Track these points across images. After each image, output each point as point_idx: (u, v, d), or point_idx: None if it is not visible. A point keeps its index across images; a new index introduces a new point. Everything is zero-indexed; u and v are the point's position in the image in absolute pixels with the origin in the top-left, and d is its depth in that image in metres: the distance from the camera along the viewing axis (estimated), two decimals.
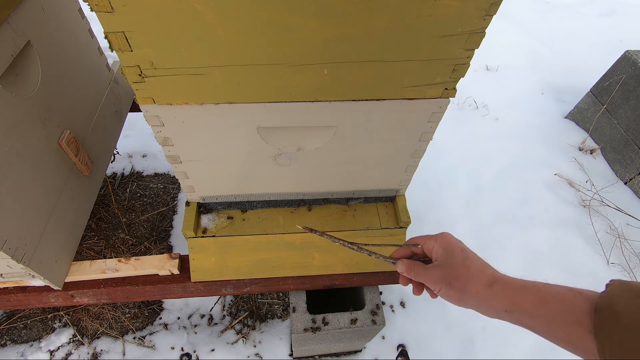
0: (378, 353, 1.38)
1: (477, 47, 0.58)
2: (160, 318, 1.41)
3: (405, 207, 0.95)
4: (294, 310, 1.04)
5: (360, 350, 1.38)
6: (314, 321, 1.02)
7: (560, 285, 0.46)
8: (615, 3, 3.35)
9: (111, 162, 1.42)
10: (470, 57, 0.60)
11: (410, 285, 0.58)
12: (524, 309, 0.45)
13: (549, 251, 1.70)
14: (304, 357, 1.37)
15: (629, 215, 1.80)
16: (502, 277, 0.49)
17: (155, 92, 0.61)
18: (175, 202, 1.67)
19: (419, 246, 0.58)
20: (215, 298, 1.45)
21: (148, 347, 1.34)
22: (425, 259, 0.59)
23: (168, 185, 1.73)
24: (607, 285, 0.41)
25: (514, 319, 0.47)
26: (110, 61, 1.23)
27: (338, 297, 1.35)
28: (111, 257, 1.13)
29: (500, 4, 0.52)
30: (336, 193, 0.92)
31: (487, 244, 1.71)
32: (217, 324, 1.41)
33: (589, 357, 0.39)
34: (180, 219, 1.60)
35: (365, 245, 0.63)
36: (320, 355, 1.37)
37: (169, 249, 1.53)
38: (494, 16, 0.54)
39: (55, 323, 1.38)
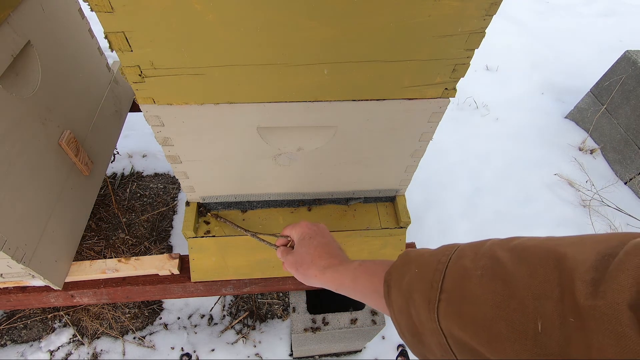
0: (378, 353, 1.38)
1: (477, 47, 0.58)
2: (160, 318, 1.41)
3: (405, 207, 0.95)
4: (294, 310, 1.04)
5: (360, 350, 1.38)
6: (314, 321, 1.02)
7: (374, 260, 0.53)
8: (615, 3, 3.35)
9: (111, 162, 1.43)
10: (470, 57, 0.60)
11: None
12: (346, 287, 0.54)
13: None
14: (304, 357, 1.37)
15: (629, 215, 1.80)
16: (334, 263, 0.57)
17: (155, 92, 0.61)
18: (175, 202, 1.67)
19: (289, 238, 0.68)
20: (215, 298, 1.45)
21: (148, 347, 1.35)
22: None
23: (168, 185, 1.73)
24: (399, 255, 0.47)
25: (344, 294, 0.55)
26: (110, 61, 1.23)
27: (338, 297, 1.35)
28: (111, 257, 1.13)
29: (500, 4, 0.52)
30: (336, 193, 0.92)
31: None
32: (217, 324, 1.41)
33: (391, 318, 0.44)
34: (180, 219, 1.60)
35: (257, 233, 0.77)
36: (320, 355, 1.37)
37: (169, 249, 1.53)
38: (494, 16, 0.54)
39: (55, 323, 1.38)
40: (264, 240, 0.73)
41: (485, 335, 0.31)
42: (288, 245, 0.69)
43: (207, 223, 0.92)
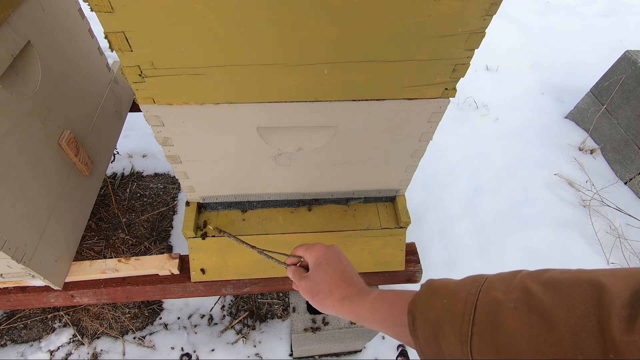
0: (378, 353, 1.38)
1: (477, 47, 0.58)
2: (160, 318, 1.41)
3: (405, 207, 0.95)
4: (294, 310, 1.04)
5: (360, 350, 1.39)
6: (314, 321, 1.02)
7: (393, 290, 0.51)
8: (615, 3, 3.35)
9: (111, 162, 1.43)
10: (470, 57, 0.60)
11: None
12: (364, 319, 0.53)
13: (549, 251, 1.70)
14: (304, 357, 1.37)
15: (629, 215, 1.80)
16: (352, 293, 0.55)
17: (155, 92, 0.61)
18: (175, 202, 1.67)
19: (302, 259, 0.65)
20: (215, 298, 1.45)
21: (148, 347, 1.35)
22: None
23: (168, 185, 1.73)
24: (421, 285, 0.46)
25: (362, 325, 0.54)
26: (110, 61, 1.23)
27: None
28: (111, 257, 1.13)
29: (500, 4, 0.52)
30: (336, 193, 0.92)
31: (487, 244, 1.71)
32: (217, 324, 1.41)
33: (415, 349, 0.44)
34: (180, 219, 1.60)
35: (265, 250, 0.71)
36: (320, 355, 1.37)
37: (169, 249, 1.53)
38: (494, 16, 0.54)
39: (55, 323, 1.38)
40: (272, 258, 0.69)
41: None
42: (298, 265, 0.66)
43: (204, 225, 0.91)
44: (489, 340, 0.34)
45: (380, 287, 1.46)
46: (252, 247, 0.70)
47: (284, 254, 0.68)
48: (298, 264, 0.66)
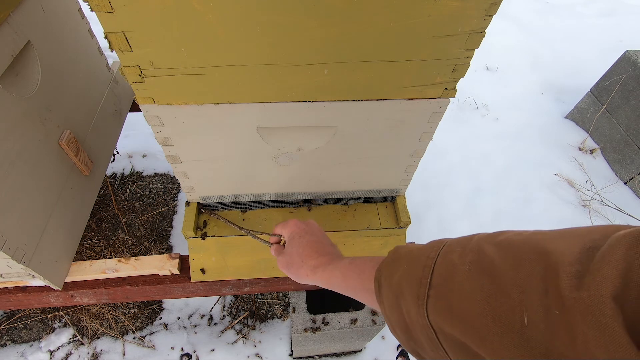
0: (378, 353, 1.38)
1: (477, 47, 0.58)
2: (160, 318, 1.41)
3: (405, 207, 0.95)
4: (294, 310, 1.04)
5: (360, 350, 1.39)
6: (314, 321, 1.02)
7: (363, 257, 0.54)
8: (615, 3, 3.35)
9: (111, 162, 1.43)
10: (470, 57, 0.60)
11: None
12: (336, 286, 0.54)
13: None
14: (304, 357, 1.37)
15: (629, 215, 1.80)
16: (324, 262, 0.57)
17: (155, 92, 0.61)
18: (175, 202, 1.67)
19: (280, 236, 0.69)
20: (215, 298, 1.45)
21: (148, 347, 1.35)
22: None
23: (168, 185, 1.73)
24: (389, 253, 0.48)
25: (337, 292, 0.55)
26: (110, 61, 1.23)
27: (338, 297, 1.35)
28: (111, 257, 1.13)
29: (500, 4, 0.52)
30: (336, 193, 0.92)
31: None
32: (217, 324, 1.41)
33: (382, 314, 0.45)
34: (180, 219, 1.60)
35: (252, 231, 0.76)
36: (320, 355, 1.37)
37: (169, 249, 1.53)
38: (494, 16, 0.54)
39: (55, 323, 1.38)
40: (258, 238, 0.73)
41: (474, 330, 0.31)
42: (281, 244, 0.69)
43: (204, 225, 0.91)
44: (444, 302, 0.34)
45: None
46: (239, 227, 0.76)
47: (267, 234, 0.72)
48: (282, 243, 0.69)
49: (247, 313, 1.43)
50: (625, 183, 1.99)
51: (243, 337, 1.37)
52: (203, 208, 0.91)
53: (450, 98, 0.67)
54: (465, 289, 0.33)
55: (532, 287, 0.28)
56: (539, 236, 0.32)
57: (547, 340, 0.26)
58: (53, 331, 1.36)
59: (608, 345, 0.23)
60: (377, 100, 0.66)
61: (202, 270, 0.91)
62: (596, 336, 0.23)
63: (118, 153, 1.75)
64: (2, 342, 1.33)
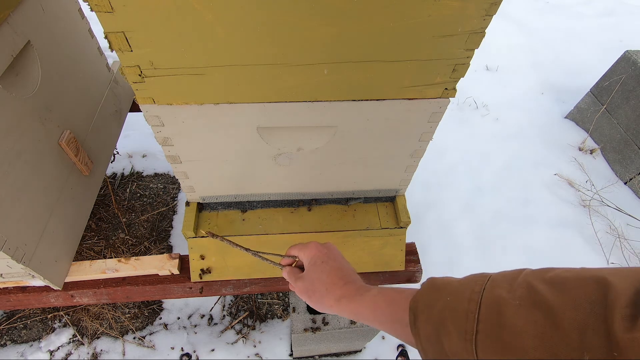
0: (378, 353, 1.38)
1: (477, 47, 0.58)
2: (160, 318, 1.41)
3: (405, 207, 0.94)
4: (294, 310, 1.04)
5: (360, 350, 1.39)
6: (314, 321, 1.02)
7: (392, 288, 0.51)
8: (615, 3, 3.35)
9: (111, 162, 1.43)
10: (470, 57, 0.60)
11: None
12: (363, 317, 0.52)
13: (549, 251, 1.70)
14: (304, 357, 1.37)
15: (629, 215, 1.80)
16: (350, 292, 0.54)
17: (155, 92, 0.61)
18: (175, 202, 1.67)
19: (297, 258, 0.64)
20: (215, 298, 1.45)
21: (148, 347, 1.35)
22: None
23: (168, 185, 1.73)
24: (422, 284, 0.46)
25: (362, 322, 0.53)
26: (110, 61, 1.23)
27: None
28: (111, 257, 1.13)
29: (500, 4, 0.52)
30: (336, 193, 0.92)
31: (487, 244, 1.71)
32: (217, 324, 1.41)
33: (416, 347, 0.43)
34: (180, 219, 1.60)
35: (260, 252, 0.68)
36: (320, 355, 1.37)
37: (169, 249, 1.53)
38: (494, 16, 0.54)
39: (55, 323, 1.38)
40: (267, 260, 0.68)
41: None
42: (294, 265, 0.65)
43: (208, 271, 0.91)
44: (494, 338, 0.34)
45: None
46: (246, 249, 0.69)
47: (279, 255, 0.67)
48: (293, 264, 0.65)
49: (247, 313, 1.43)
50: (625, 183, 1.99)
51: (243, 337, 1.37)
52: (213, 235, 0.85)
53: (450, 98, 0.67)
54: (517, 324, 0.32)
55: (593, 328, 0.28)
56: (592, 272, 0.32)
57: None
58: (53, 331, 1.36)
59: None
60: (377, 100, 0.66)
61: (202, 270, 0.91)
62: None
63: (118, 153, 1.75)
64: (2, 342, 1.33)
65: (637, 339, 0.25)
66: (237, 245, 0.69)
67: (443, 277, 0.45)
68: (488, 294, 0.37)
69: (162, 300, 1.45)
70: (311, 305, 0.59)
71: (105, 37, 0.52)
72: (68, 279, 0.92)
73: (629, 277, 0.29)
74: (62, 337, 1.35)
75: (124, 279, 0.94)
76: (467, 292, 0.38)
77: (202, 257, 0.91)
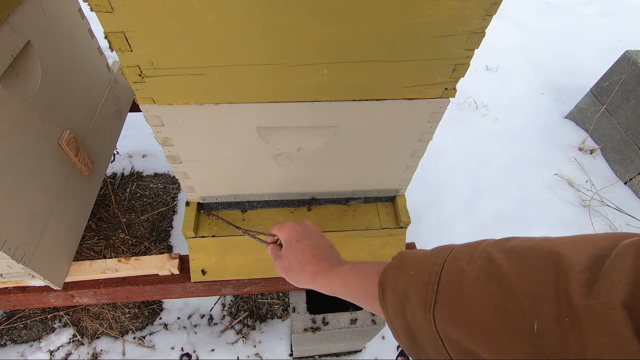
0: (378, 353, 1.38)
1: (477, 47, 0.58)
2: (160, 318, 1.41)
3: (405, 207, 0.95)
4: (294, 310, 1.04)
5: (360, 350, 1.39)
6: (314, 321, 1.03)
7: (364, 262, 0.52)
8: (615, 3, 3.35)
9: (111, 162, 1.43)
10: (470, 57, 0.60)
11: None
12: (337, 292, 0.54)
13: None
14: (304, 357, 1.37)
15: (629, 215, 1.80)
16: (324, 268, 0.56)
17: (155, 92, 0.61)
18: (175, 202, 1.67)
19: (275, 237, 0.67)
20: (215, 298, 1.45)
21: (148, 347, 1.35)
22: None
23: (168, 185, 1.73)
24: (393, 257, 0.47)
25: (337, 296, 0.55)
26: (110, 61, 1.23)
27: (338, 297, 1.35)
28: (111, 257, 1.13)
29: (500, 4, 0.52)
30: (336, 193, 0.92)
31: None
32: (217, 324, 1.41)
33: (385, 320, 0.44)
34: (180, 219, 1.60)
35: (249, 230, 0.74)
36: (320, 355, 1.37)
37: (169, 249, 1.53)
38: (494, 16, 0.54)
39: (55, 323, 1.38)
40: (256, 238, 0.72)
41: (482, 336, 0.31)
42: (278, 243, 0.68)
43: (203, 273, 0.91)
44: (451, 309, 0.34)
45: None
46: (237, 227, 0.74)
47: (264, 233, 0.71)
48: (278, 242, 0.67)
49: (247, 313, 1.43)
50: (625, 183, 1.99)
51: (243, 337, 1.37)
52: (202, 209, 0.91)
53: (450, 98, 0.67)
54: (473, 295, 0.33)
55: (543, 295, 0.28)
56: (549, 242, 0.32)
57: (558, 348, 0.26)
58: (53, 331, 1.36)
59: (619, 351, 0.23)
60: (377, 100, 0.66)
61: (202, 271, 0.91)
62: (607, 343, 0.23)
63: (118, 153, 1.75)
64: (2, 342, 1.33)
65: (594, 306, 0.25)
66: (229, 223, 0.75)
67: (412, 250, 0.45)
68: (448, 265, 0.37)
69: (162, 300, 1.45)
70: (290, 282, 0.61)
71: (105, 37, 0.52)
72: (68, 279, 0.92)
73: (585, 244, 0.29)
74: (62, 337, 1.35)
75: (124, 279, 0.94)
76: (429, 264, 0.39)
77: (202, 257, 0.91)
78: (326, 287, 0.55)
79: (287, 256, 0.61)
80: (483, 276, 0.33)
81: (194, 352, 1.34)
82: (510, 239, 0.36)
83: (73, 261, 0.94)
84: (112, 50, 0.54)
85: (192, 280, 0.91)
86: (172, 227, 1.59)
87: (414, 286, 0.39)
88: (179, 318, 1.42)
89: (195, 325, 1.40)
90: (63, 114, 0.92)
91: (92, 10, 0.49)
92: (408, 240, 0.98)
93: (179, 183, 1.00)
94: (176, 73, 0.58)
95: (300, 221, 0.65)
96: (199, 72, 0.58)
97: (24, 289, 0.91)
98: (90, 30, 1.09)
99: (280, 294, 1.49)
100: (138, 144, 1.85)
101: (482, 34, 0.56)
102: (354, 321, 1.02)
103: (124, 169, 1.76)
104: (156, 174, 1.77)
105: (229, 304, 1.46)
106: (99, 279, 0.94)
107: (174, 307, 1.44)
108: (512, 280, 0.31)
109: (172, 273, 0.93)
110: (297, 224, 0.64)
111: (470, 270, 0.34)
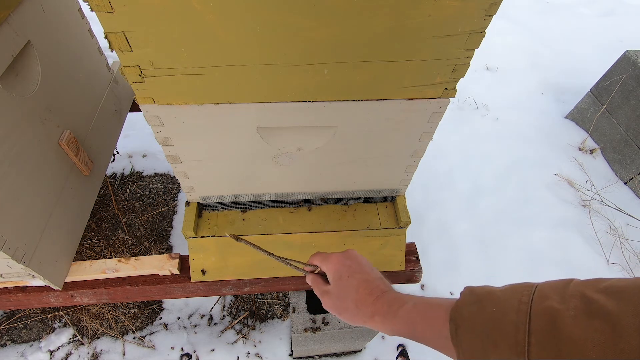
0: (378, 353, 1.38)
1: (477, 47, 0.58)
2: (160, 318, 1.41)
3: (405, 207, 0.94)
4: (294, 310, 1.04)
5: (360, 350, 1.39)
6: (314, 321, 1.02)
7: (426, 300, 0.50)
8: (615, 3, 3.35)
9: (111, 162, 1.43)
10: (470, 57, 0.60)
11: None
12: (400, 334, 0.51)
13: (549, 251, 1.70)
14: (304, 357, 1.37)
15: (629, 215, 1.80)
16: (380, 309, 0.53)
17: (155, 92, 0.61)
18: (175, 202, 1.67)
19: (318, 269, 0.62)
20: (215, 298, 1.45)
21: (148, 347, 1.35)
22: None
23: (168, 185, 1.73)
24: (461, 294, 0.45)
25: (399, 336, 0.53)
26: (110, 61, 1.23)
27: None
28: (111, 257, 1.13)
29: (500, 4, 0.52)
30: (336, 193, 0.92)
31: (487, 244, 1.71)
32: (217, 324, 1.41)
33: (455, 358, 0.43)
34: (180, 219, 1.60)
35: (283, 258, 0.67)
36: (320, 355, 1.37)
37: (169, 249, 1.53)
38: (494, 16, 0.54)
39: (55, 323, 1.38)
40: (291, 265, 0.66)
41: None
42: (317, 272, 0.63)
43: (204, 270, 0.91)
44: (551, 350, 0.33)
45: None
46: (270, 254, 0.68)
47: (301, 262, 0.66)
48: (316, 272, 0.63)
49: (247, 313, 1.43)
50: (625, 183, 1.99)
51: (243, 337, 1.37)
52: (236, 237, 0.76)
53: (450, 98, 0.67)
54: (575, 334, 0.32)
55: None
56: None
57: None
58: (53, 331, 1.36)
59: None
60: (377, 100, 0.66)
61: (202, 271, 0.91)
62: None
63: (118, 153, 1.75)
64: (2, 342, 1.33)
65: None
66: (260, 249, 0.68)
67: (483, 286, 0.44)
68: (537, 305, 0.36)
69: (162, 300, 1.45)
70: (344, 321, 0.57)
71: (105, 37, 0.52)
72: (68, 279, 0.92)
73: None
74: (62, 337, 1.35)
75: (124, 279, 0.94)
76: (513, 302, 0.38)
77: (202, 257, 0.91)
78: (387, 329, 0.52)
79: (339, 295, 0.56)
80: (582, 316, 0.33)
81: (194, 352, 1.34)
82: (601, 280, 0.35)
83: (73, 261, 0.94)
84: (112, 50, 0.54)
85: (192, 280, 0.91)
86: (172, 227, 1.59)
87: (497, 325, 0.38)
88: (179, 318, 1.42)
89: (195, 325, 1.40)
90: (63, 114, 0.92)
91: (92, 10, 0.49)
92: (408, 240, 0.98)
93: (179, 183, 1.00)
94: (176, 73, 0.58)
95: (345, 252, 0.60)
96: (199, 72, 0.58)
97: (24, 289, 0.91)
98: (90, 30, 1.09)
99: (280, 294, 1.49)
100: (138, 144, 1.85)
101: (482, 34, 0.56)
102: None
103: (124, 169, 1.76)
104: (156, 174, 1.77)
105: (229, 304, 1.46)
106: (99, 279, 0.94)
107: (174, 307, 1.44)
108: (618, 319, 0.30)
109: (172, 273, 0.93)
110: (344, 256, 0.59)
111: (565, 310, 0.34)
